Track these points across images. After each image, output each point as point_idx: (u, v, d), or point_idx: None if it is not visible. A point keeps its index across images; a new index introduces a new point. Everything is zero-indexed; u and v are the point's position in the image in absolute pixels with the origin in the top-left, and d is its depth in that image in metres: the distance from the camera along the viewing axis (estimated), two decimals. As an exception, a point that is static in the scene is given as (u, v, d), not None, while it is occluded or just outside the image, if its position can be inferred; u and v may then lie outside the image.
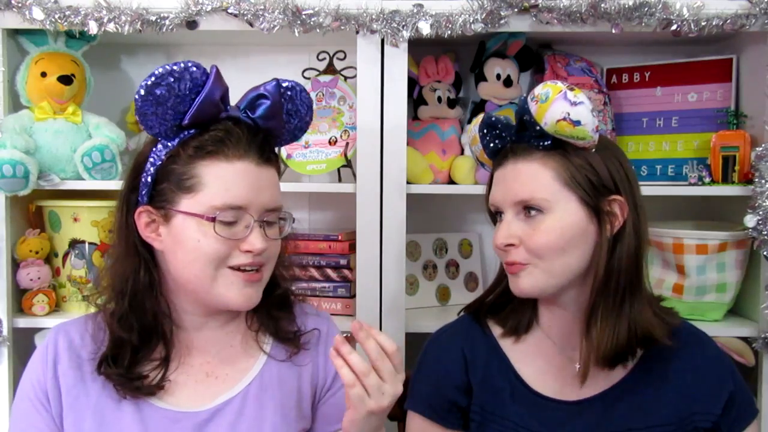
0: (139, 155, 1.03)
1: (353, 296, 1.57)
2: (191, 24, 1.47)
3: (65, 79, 1.54)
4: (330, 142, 1.64)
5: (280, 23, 1.45)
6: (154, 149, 1.00)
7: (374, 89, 1.49)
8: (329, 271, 1.62)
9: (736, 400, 1.07)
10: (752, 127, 1.55)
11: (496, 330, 1.15)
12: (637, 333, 1.03)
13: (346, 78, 1.67)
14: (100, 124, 1.59)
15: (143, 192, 1.00)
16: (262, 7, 1.45)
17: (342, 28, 1.46)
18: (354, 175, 1.59)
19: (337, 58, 1.68)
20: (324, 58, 1.69)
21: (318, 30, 1.46)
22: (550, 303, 1.10)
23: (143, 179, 1.00)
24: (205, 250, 0.96)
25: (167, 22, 1.46)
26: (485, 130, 1.11)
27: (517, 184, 1.04)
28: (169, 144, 0.98)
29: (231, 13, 1.46)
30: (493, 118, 1.10)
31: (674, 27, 1.44)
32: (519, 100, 1.04)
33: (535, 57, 1.69)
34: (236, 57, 1.78)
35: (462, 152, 1.64)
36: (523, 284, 1.04)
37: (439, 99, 1.65)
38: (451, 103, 1.66)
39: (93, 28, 1.46)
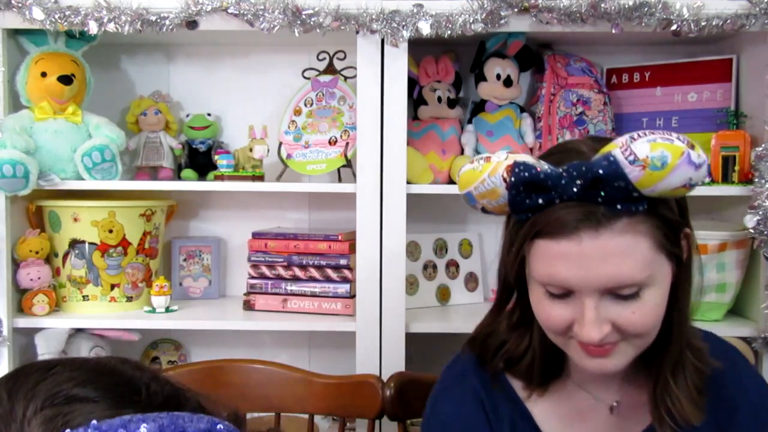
0: None
1: (353, 296, 1.57)
2: (191, 24, 1.47)
3: (65, 79, 1.54)
4: (330, 142, 1.64)
5: (280, 23, 1.45)
6: None
7: (374, 89, 1.49)
8: (329, 271, 1.62)
9: None
10: (752, 127, 1.55)
11: (516, 384, 0.96)
12: (701, 372, 0.89)
13: (346, 78, 1.67)
14: (100, 124, 1.59)
15: None
16: (262, 7, 1.44)
17: (342, 28, 1.46)
18: (354, 175, 1.59)
19: (337, 58, 1.68)
20: (324, 58, 1.69)
21: (318, 30, 1.46)
22: None
23: None
24: None
25: (167, 22, 1.46)
26: (521, 187, 0.81)
27: (609, 266, 0.79)
28: None
29: (231, 13, 1.46)
30: (542, 175, 0.80)
31: (674, 27, 1.44)
32: (598, 159, 0.78)
33: (535, 57, 1.69)
34: (236, 57, 1.78)
35: (462, 152, 1.64)
36: (611, 365, 0.84)
37: (439, 99, 1.65)
38: (451, 103, 1.66)
39: (93, 28, 1.46)
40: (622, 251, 0.79)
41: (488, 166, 0.85)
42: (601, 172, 0.77)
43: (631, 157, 0.76)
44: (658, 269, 0.82)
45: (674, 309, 0.86)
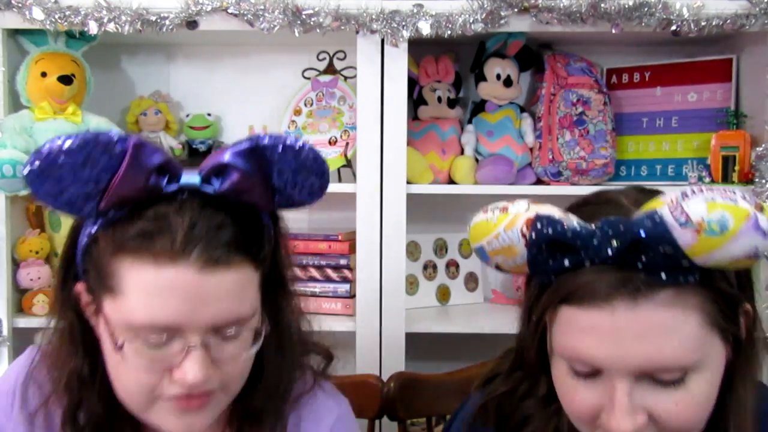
0: (76, 220, 0.79)
1: (353, 296, 1.57)
2: (191, 24, 1.47)
3: (65, 79, 1.54)
4: (330, 142, 1.64)
5: (280, 23, 1.45)
6: (84, 221, 0.76)
7: (374, 89, 1.49)
8: (329, 271, 1.61)
9: None
10: (752, 127, 1.55)
11: None
12: None
13: (346, 78, 1.67)
14: (100, 124, 1.59)
15: (78, 266, 0.78)
16: (262, 7, 1.44)
17: (342, 28, 1.46)
18: (354, 175, 1.59)
19: (337, 58, 1.68)
20: (324, 58, 1.69)
21: (318, 30, 1.46)
22: None
23: (77, 252, 0.78)
24: (125, 374, 0.73)
25: (167, 22, 1.46)
26: (543, 246, 0.69)
27: (648, 346, 0.66)
28: (92, 225, 0.74)
29: (231, 13, 1.46)
30: (569, 233, 0.68)
31: (674, 27, 1.44)
32: (641, 218, 0.65)
33: (535, 57, 1.69)
34: (236, 57, 1.78)
35: (462, 152, 1.64)
36: None
37: (439, 99, 1.65)
38: (451, 103, 1.66)
39: (93, 28, 1.46)
40: (664, 328, 0.66)
41: (504, 218, 0.72)
42: (643, 234, 0.64)
43: (683, 218, 0.63)
44: (709, 352, 0.68)
45: (730, 400, 0.73)
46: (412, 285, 1.70)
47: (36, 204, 1.61)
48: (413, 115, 1.68)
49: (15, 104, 1.56)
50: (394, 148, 1.49)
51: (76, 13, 1.45)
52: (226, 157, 0.71)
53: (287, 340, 0.85)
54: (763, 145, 1.46)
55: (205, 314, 0.71)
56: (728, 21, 1.43)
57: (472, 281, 1.78)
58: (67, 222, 1.58)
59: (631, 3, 1.43)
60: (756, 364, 0.75)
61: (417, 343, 1.58)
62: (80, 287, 0.77)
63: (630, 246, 0.65)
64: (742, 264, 0.65)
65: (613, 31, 1.46)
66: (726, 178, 1.53)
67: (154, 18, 1.45)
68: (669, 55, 1.70)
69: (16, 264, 1.56)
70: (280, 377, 0.83)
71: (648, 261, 0.65)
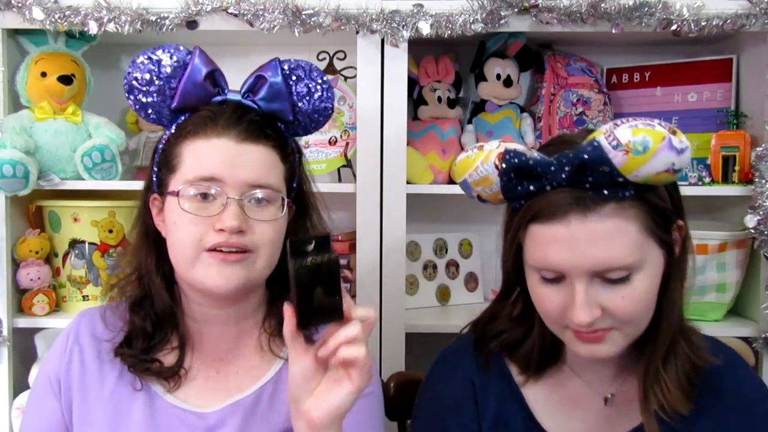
0: (155, 145, 1.04)
1: (353, 296, 1.57)
2: (191, 24, 1.47)
3: (65, 79, 1.54)
4: (330, 142, 1.64)
5: (280, 23, 1.45)
6: (162, 137, 1.02)
7: (374, 89, 1.49)
8: (329, 271, 1.61)
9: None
10: (752, 127, 1.55)
11: (513, 369, 1.00)
12: (695, 364, 0.90)
13: (346, 78, 1.67)
14: (100, 124, 1.59)
15: (153, 180, 1.01)
16: (262, 7, 1.45)
17: (342, 28, 1.46)
18: (354, 175, 1.59)
19: (337, 58, 1.68)
20: (324, 58, 1.69)
21: (318, 30, 1.46)
22: None
23: (153, 167, 1.02)
24: (179, 232, 0.94)
25: (167, 22, 1.46)
26: (512, 174, 0.85)
27: (597, 250, 0.81)
28: (167, 130, 1.00)
29: (231, 13, 1.46)
30: (531, 161, 0.84)
31: (674, 27, 1.44)
32: (584, 146, 0.81)
33: (535, 57, 1.69)
34: (236, 57, 1.77)
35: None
36: (603, 351, 0.86)
37: (439, 99, 1.65)
38: (451, 103, 1.66)
39: (93, 28, 1.46)
40: (609, 235, 0.81)
41: (481, 154, 0.89)
42: (586, 157, 0.80)
43: (614, 143, 0.78)
44: (648, 254, 0.84)
45: (664, 298, 0.87)
46: (412, 285, 1.70)
47: (36, 204, 1.61)
48: (413, 115, 1.68)
49: (15, 104, 1.56)
50: (394, 148, 1.49)
51: (76, 13, 1.45)
52: (262, 70, 1.00)
53: None
54: (763, 145, 1.46)
55: (240, 173, 0.93)
56: (728, 21, 1.43)
57: (472, 281, 1.78)
58: (67, 222, 1.58)
59: (631, 3, 1.43)
60: (686, 270, 0.90)
61: (417, 343, 1.58)
62: (153, 197, 1.00)
63: (579, 169, 0.81)
64: (665, 177, 0.79)
65: (613, 31, 1.46)
66: (726, 178, 1.53)
67: (154, 18, 1.45)
68: (669, 55, 1.70)
69: (16, 264, 1.56)
70: None
71: (593, 181, 0.81)
